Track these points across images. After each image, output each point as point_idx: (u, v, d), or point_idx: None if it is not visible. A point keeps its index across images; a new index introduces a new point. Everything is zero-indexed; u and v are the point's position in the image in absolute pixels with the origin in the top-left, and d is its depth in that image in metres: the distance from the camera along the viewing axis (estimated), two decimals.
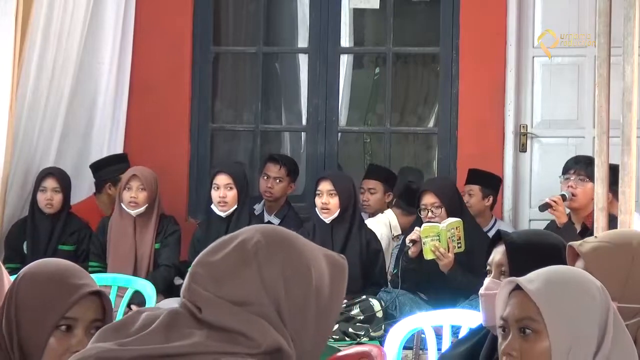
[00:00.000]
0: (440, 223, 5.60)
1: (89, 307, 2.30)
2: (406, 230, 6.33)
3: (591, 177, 5.76)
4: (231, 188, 5.94)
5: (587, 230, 5.66)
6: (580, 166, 5.86)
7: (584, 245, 2.46)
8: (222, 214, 5.93)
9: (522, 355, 2.05)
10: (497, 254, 2.79)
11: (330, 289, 1.84)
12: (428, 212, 5.76)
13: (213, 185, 5.98)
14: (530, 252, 2.69)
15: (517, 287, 2.08)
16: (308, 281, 1.81)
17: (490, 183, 6.45)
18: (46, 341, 2.26)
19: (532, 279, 2.06)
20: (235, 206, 5.94)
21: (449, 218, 5.64)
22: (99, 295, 2.33)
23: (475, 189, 6.37)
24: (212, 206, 5.95)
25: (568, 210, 5.90)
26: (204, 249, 1.87)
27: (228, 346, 1.73)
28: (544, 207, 5.85)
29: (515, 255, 2.72)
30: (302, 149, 7.61)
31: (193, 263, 1.85)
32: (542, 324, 2.01)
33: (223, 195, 5.91)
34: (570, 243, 2.54)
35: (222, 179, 5.96)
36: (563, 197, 5.81)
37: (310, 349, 1.82)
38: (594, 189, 5.73)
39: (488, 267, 2.82)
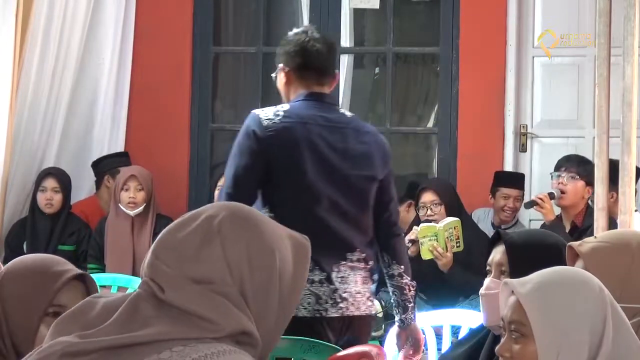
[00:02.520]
0: (437, 223, 5.60)
1: (75, 291, 2.32)
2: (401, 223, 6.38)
3: (582, 176, 5.78)
4: None
5: (576, 229, 5.68)
6: (572, 164, 5.87)
7: (584, 245, 2.46)
8: None
9: (514, 358, 2.05)
10: (497, 253, 2.79)
11: (293, 271, 1.82)
12: (427, 209, 5.76)
13: (218, 187, 5.96)
14: (530, 252, 2.69)
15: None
16: (272, 263, 1.79)
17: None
18: (36, 330, 2.27)
19: (526, 282, 2.05)
20: None
21: (447, 218, 5.63)
22: (83, 279, 2.35)
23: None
24: None
25: (559, 210, 5.92)
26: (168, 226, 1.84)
27: (193, 331, 1.72)
28: (530, 204, 5.89)
29: (515, 255, 2.72)
30: None
31: (156, 240, 1.82)
32: (530, 328, 2.01)
33: None
34: (569, 243, 2.54)
35: None
36: (551, 195, 5.82)
37: (271, 332, 1.81)
38: (584, 187, 5.79)
39: (488, 267, 2.82)
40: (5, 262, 5.76)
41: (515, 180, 6.45)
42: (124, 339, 1.71)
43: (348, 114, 3.88)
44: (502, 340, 2.08)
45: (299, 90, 3.83)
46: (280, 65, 3.90)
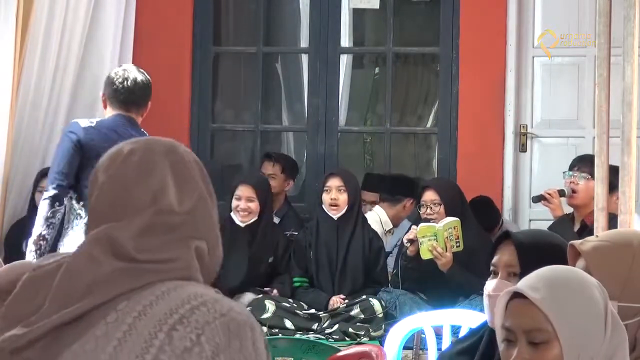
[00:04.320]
0: (437, 223, 5.60)
1: None
2: (397, 220, 6.40)
3: (594, 176, 5.78)
4: (252, 200, 5.86)
5: (585, 228, 5.67)
6: (585, 164, 5.87)
7: (585, 244, 2.46)
8: (242, 224, 5.87)
9: None
10: (505, 254, 2.76)
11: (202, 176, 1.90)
12: (427, 208, 5.76)
13: (235, 195, 5.88)
14: (540, 252, 2.66)
15: (517, 295, 2.07)
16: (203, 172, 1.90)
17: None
18: None
19: (536, 287, 2.04)
20: (256, 217, 5.86)
21: (447, 218, 5.63)
22: None
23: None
24: (232, 214, 5.86)
25: (571, 209, 5.92)
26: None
27: (136, 280, 1.69)
28: (537, 198, 5.91)
29: (525, 256, 2.70)
30: (302, 149, 7.61)
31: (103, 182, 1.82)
32: (552, 333, 2.01)
33: (245, 207, 5.83)
34: (571, 242, 2.54)
35: (244, 190, 5.87)
36: (562, 192, 5.84)
37: (216, 262, 1.82)
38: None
39: (493, 268, 2.80)
40: (5, 261, 5.76)
41: (488, 224, 6.19)
42: (67, 314, 1.67)
43: (145, 132, 4.93)
44: (517, 349, 2.06)
45: (111, 112, 5.04)
46: (102, 92, 5.16)
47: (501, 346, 2.11)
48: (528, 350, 2.04)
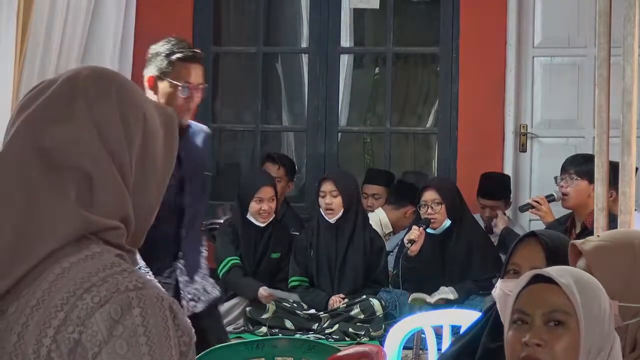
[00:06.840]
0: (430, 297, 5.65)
1: None
2: (396, 226, 6.40)
3: (583, 175, 5.77)
4: (273, 200, 5.91)
5: (585, 230, 5.67)
6: (571, 165, 5.86)
7: (587, 243, 2.46)
8: (262, 225, 5.89)
9: (548, 347, 2.05)
10: (531, 253, 2.74)
11: (164, 140, 1.60)
12: (428, 208, 5.77)
13: (255, 199, 5.84)
14: (564, 253, 2.64)
15: (535, 281, 2.09)
16: (144, 124, 1.56)
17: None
18: None
19: (562, 275, 2.07)
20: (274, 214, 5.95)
21: (442, 289, 5.66)
22: None
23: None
24: (249, 216, 5.87)
25: (561, 214, 5.92)
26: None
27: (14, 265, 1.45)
28: (525, 207, 5.93)
29: (553, 257, 2.67)
30: (302, 149, 7.62)
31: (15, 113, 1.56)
32: (573, 317, 2.03)
33: (267, 208, 5.86)
34: (572, 242, 2.54)
35: (267, 192, 5.88)
36: (550, 197, 5.85)
37: (148, 209, 1.57)
38: (587, 187, 5.77)
39: (514, 267, 2.76)
40: None
41: (492, 191, 6.41)
42: None
43: None
44: (531, 331, 2.07)
45: None
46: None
47: (508, 331, 2.11)
48: (543, 331, 2.06)
